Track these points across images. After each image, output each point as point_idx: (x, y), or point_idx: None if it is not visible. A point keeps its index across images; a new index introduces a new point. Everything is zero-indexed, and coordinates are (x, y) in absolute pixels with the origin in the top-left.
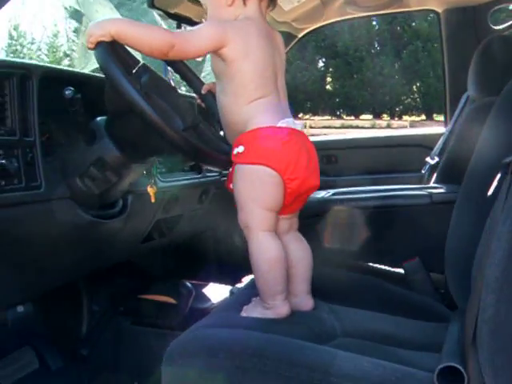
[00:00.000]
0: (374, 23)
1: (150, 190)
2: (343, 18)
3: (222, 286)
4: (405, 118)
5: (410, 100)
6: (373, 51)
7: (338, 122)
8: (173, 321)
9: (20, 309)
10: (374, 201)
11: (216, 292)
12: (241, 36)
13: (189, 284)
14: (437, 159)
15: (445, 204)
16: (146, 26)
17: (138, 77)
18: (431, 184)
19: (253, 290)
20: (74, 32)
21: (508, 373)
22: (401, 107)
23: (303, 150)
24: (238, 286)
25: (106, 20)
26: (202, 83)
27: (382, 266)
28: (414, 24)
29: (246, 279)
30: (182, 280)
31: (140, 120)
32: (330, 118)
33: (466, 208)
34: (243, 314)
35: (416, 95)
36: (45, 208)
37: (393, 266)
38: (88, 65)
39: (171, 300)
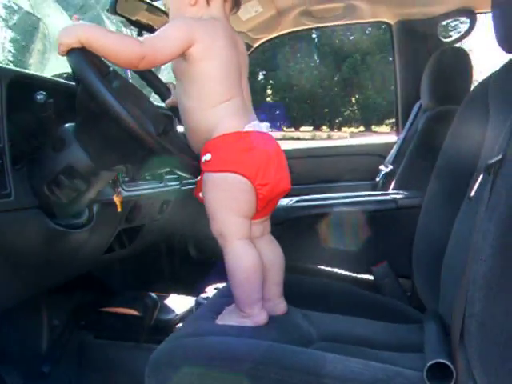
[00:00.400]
0: (314, 36)
1: (117, 199)
2: (298, 28)
3: (184, 297)
4: (344, 129)
5: (349, 112)
6: (312, 64)
7: (278, 134)
8: (138, 333)
9: None
10: (340, 207)
11: (179, 303)
12: (208, 35)
13: (154, 295)
14: (391, 167)
15: (410, 209)
16: (117, 36)
17: (109, 82)
18: (390, 191)
19: (223, 299)
20: (11, 42)
21: (497, 365)
22: (340, 119)
23: (272, 153)
24: (204, 295)
25: (76, 26)
26: (168, 90)
27: (350, 273)
28: (352, 37)
29: (210, 289)
30: (146, 291)
31: (114, 125)
32: (270, 130)
33: (433, 213)
34: (219, 322)
35: (355, 107)
36: (13, 217)
37: (361, 271)
38: (44, 72)
39: (135, 312)
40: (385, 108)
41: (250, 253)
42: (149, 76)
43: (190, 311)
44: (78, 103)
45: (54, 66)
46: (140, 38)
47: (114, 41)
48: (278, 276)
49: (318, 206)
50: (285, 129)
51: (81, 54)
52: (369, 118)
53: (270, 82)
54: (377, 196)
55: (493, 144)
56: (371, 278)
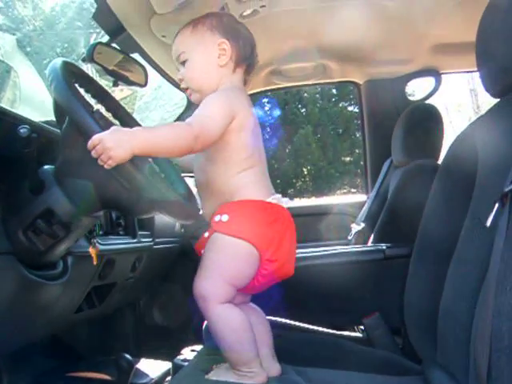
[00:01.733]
0: (267, 108)
1: (92, 251)
2: (268, 88)
3: (157, 361)
4: (296, 200)
5: (301, 183)
6: (266, 136)
7: None
8: None
9: None
10: (326, 258)
11: (152, 367)
12: (243, 106)
13: (128, 357)
14: (363, 225)
15: (397, 258)
16: (166, 132)
17: (95, 118)
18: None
19: (209, 357)
20: None
21: None
22: (292, 190)
23: (288, 231)
24: (181, 357)
25: (123, 137)
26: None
27: (338, 332)
28: (304, 110)
29: (186, 351)
30: (115, 355)
31: (99, 166)
32: None
33: (422, 264)
34: (212, 377)
35: (307, 178)
36: None
37: (352, 323)
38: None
39: (106, 377)
40: (337, 179)
41: (234, 314)
42: (132, 123)
43: (165, 374)
44: (63, 141)
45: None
46: (187, 121)
47: (166, 138)
48: (266, 337)
49: (302, 258)
50: None
51: (69, 88)
52: (321, 189)
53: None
54: (362, 247)
55: (491, 178)
56: (359, 334)
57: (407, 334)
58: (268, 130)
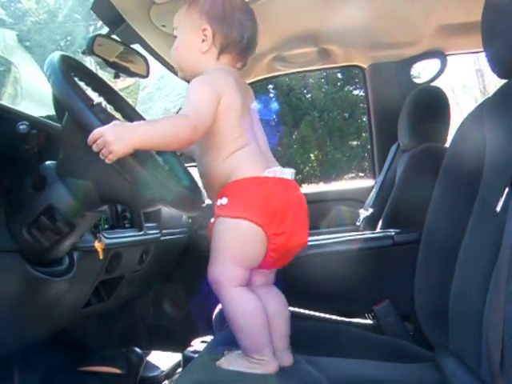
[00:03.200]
0: (272, 95)
1: (98, 246)
2: (272, 74)
3: (167, 353)
4: (304, 186)
5: (308, 169)
6: (271, 123)
7: None
8: None
9: None
10: (335, 246)
11: (162, 359)
12: (226, 87)
13: (138, 350)
14: (371, 210)
15: (406, 244)
16: (165, 125)
17: (96, 113)
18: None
19: (220, 348)
20: None
21: None
22: (300, 176)
23: (292, 201)
24: (191, 349)
25: (124, 131)
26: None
27: (348, 319)
28: (309, 95)
29: (196, 342)
30: (126, 348)
31: (101, 160)
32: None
33: (433, 246)
34: (225, 364)
35: (314, 163)
36: None
37: (363, 311)
38: None
39: (117, 370)
40: (344, 163)
41: (248, 297)
42: (133, 115)
43: (176, 366)
44: (63, 137)
45: (25, 111)
46: (182, 112)
47: (166, 132)
48: (283, 326)
49: (312, 246)
50: None
51: (68, 83)
52: (328, 174)
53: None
54: (371, 233)
55: (501, 163)
56: (369, 321)
57: (418, 320)
58: (273, 116)
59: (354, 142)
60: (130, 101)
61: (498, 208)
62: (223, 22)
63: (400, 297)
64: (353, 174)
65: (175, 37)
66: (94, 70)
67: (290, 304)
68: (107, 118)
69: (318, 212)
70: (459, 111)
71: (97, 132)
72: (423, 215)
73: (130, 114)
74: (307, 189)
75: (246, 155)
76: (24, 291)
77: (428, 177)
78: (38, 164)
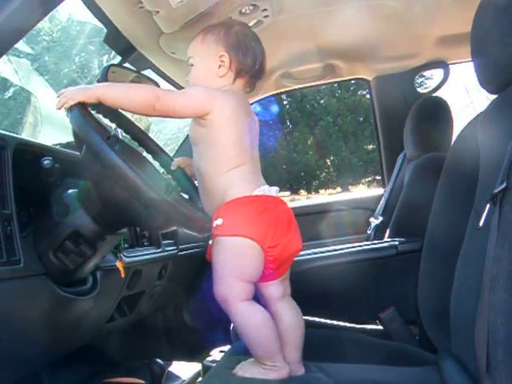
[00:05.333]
0: (285, 102)
1: (119, 265)
2: (280, 90)
3: (187, 363)
4: (321, 191)
5: (325, 174)
6: (286, 129)
7: None
8: None
9: None
10: (341, 257)
11: (183, 369)
12: (228, 104)
13: (160, 362)
14: (381, 219)
15: (410, 253)
16: (130, 85)
17: (111, 145)
18: (387, 239)
19: (238, 357)
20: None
21: None
22: (317, 182)
23: (282, 215)
24: (210, 359)
25: (89, 86)
26: (170, 157)
27: (357, 325)
28: (322, 101)
29: (215, 352)
30: (149, 359)
31: (118, 187)
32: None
33: (433, 254)
34: (240, 372)
35: (331, 169)
36: (23, 285)
37: (369, 318)
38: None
39: (141, 381)
40: (360, 167)
41: (254, 310)
42: (149, 143)
43: (196, 376)
44: (82, 166)
45: (45, 139)
46: None
47: (128, 87)
48: (298, 340)
49: (319, 258)
50: None
51: (84, 116)
52: (345, 179)
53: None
54: (376, 244)
55: (490, 175)
56: (379, 327)
57: (422, 325)
58: (288, 123)
59: (370, 146)
60: (143, 122)
61: (481, 223)
62: (238, 49)
63: (405, 303)
64: (370, 178)
65: (191, 65)
66: None
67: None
68: (123, 148)
69: (330, 221)
70: (474, 111)
71: (63, 90)
72: (427, 224)
73: (147, 142)
74: (324, 195)
75: (241, 174)
76: (52, 310)
77: (431, 186)
78: (61, 193)
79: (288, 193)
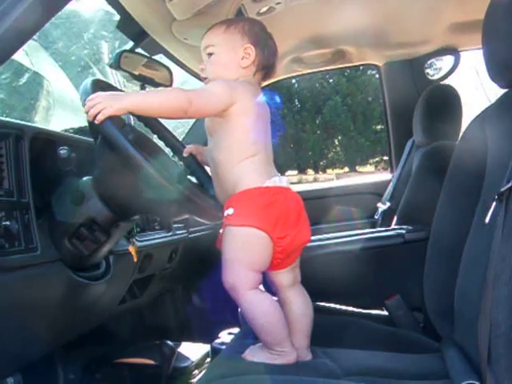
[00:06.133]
0: (294, 81)
1: (132, 249)
2: (290, 75)
3: (196, 344)
4: (329, 171)
5: (332, 154)
6: (294, 109)
7: None
8: (156, 382)
9: (10, 381)
10: (348, 245)
11: (192, 350)
12: (247, 93)
13: (170, 343)
14: (388, 204)
15: (417, 242)
16: (159, 91)
17: (126, 134)
18: (395, 226)
19: (247, 341)
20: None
21: None
22: (324, 161)
23: (291, 206)
24: (219, 341)
25: (119, 94)
26: (182, 145)
27: (363, 310)
28: (331, 80)
29: (224, 334)
30: (159, 340)
31: (132, 176)
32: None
33: (440, 245)
34: (248, 357)
35: (338, 148)
36: (40, 271)
37: (375, 306)
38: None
39: (151, 361)
40: (368, 148)
41: (262, 298)
42: (163, 131)
43: (204, 357)
44: (98, 156)
45: (58, 122)
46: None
47: (159, 95)
48: (307, 328)
49: (327, 245)
50: None
51: None
52: (353, 159)
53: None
54: (383, 232)
55: (497, 172)
56: (384, 312)
57: (427, 313)
58: (296, 102)
59: (378, 126)
60: None
61: (487, 220)
62: (263, 45)
63: (410, 291)
64: (377, 159)
65: (209, 54)
66: (121, 83)
67: None
68: (137, 137)
69: (338, 206)
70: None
71: (93, 95)
72: (434, 212)
73: (161, 129)
74: (332, 174)
75: (254, 164)
76: (67, 295)
77: (439, 175)
78: (76, 180)
79: (295, 172)
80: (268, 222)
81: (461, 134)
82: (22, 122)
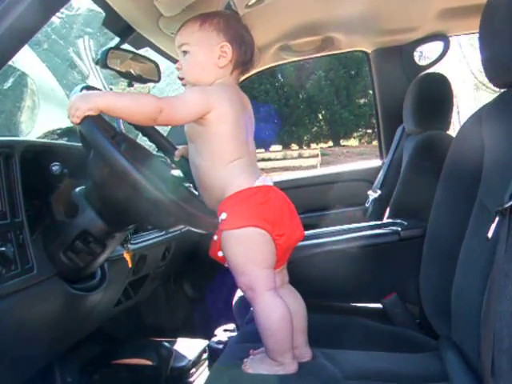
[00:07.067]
0: None
1: (127, 255)
2: (278, 63)
3: (192, 340)
4: (313, 146)
5: (316, 128)
6: (277, 84)
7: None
8: (155, 383)
9: None
10: (343, 243)
11: (188, 348)
12: (224, 100)
13: (166, 344)
14: (379, 192)
15: (412, 239)
16: (133, 95)
17: (118, 144)
18: (389, 220)
19: (246, 345)
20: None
21: None
22: (308, 136)
23: (283, 205)
24: (215, 339)
25: (92, 93)
26: (174, 147)
27: (361, 304)
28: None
29: (219, 331)
30: (153, 338)
31: (127, 188)
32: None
33: (436, 243)
34: (249, 370)
35: (322, 123)
36: (37, 290)
37: (372, 302)
38: (34, 129)
39: (148, 362)
40: (352, 122)
41: (279, 303)
42: (153, 134)
43: (201, 354)
44: (92, 168)
45: (43, 121)
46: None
47: (133, 99)
48: (302, 324)
49: (322, 244)
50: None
51: (91, 119)
52: (337, 133)
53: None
54: (378, 229)
55: (495, 175)
56: (379, 306)
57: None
58: (279, 77)
59: (362, 100)
60: None
61: (490, 234)
62: (239, 41)
63: (407, 288)
64: (361, 132)
65: (184, 52)
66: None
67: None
68: (129, 146)
69: (328, 193)
70: (466, 65)
71: (70, 100)
72: (429, 204)
73: (154, 135)
74: (316, 149)
75: (239, 167)
76: (64, 308)
77: (432, 166)
78: (69, 192)
79: (280, 147)
80: (266, 220)
81: (456, 132)
82: (11, 138)
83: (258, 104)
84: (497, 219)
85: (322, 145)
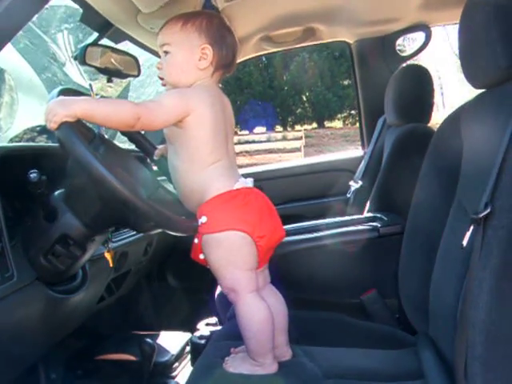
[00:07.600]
0: None
1: (108, 255)
2: (259, 53)
3: (174, 333)
4: (297, 127)
5: (300, 110)
6: (261, 65)
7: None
8: (138, 379)
9: None
10: (325, 239)
11: (171, 342)
12: (203, 103)
13: (149, 340)
14: (360, 183)
15: (391, 236)
16: (111, 102)
17: (95, 148)
18: (366, 213)
19: (227, 342)
20: None
21: None
22: (293, 117)
23: (263, 206)
24: (198, 334)
25: (70, 99)
26: (154, 146)
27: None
28: None
29: (201, 325)
30: (136, 332)
31: (108, 195)
32: (265, 130)
33: (415, 241)
34: (230, 369)
35: (306, 104)
36: (18, 297)
37: (352, 299)
38: (13, 125)
39: (131, 357)
40: (336, 103)
41: (262, 305)
42: (133, 133)
43: (183, 348)
44: (71, 172)
45: (22, 118)
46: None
47: (111, 105)
48: (283, 324)
49: (303, 240)
50: (239, 132)
51: (69, 125)
52: (321, 114)
53: (220, 86)
54: (358, 224)
55: (472, 175)
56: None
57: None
58: (263, 58)
59: (346, 82)
60: (121, 89)
61: (465, 242)
62: (221, 43)
63: (386, 284)
64: (345, 114)
65: (165, 52)
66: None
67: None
68: (107, 150)
69: (309, 183)
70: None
71: (47, 106)
72: (409, 198)
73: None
74: (300, 131)
75: (218, 170)
76: (46, 311)
77: (413, 159)
78: (48, 197)
79: (264, 129)
80: (246, 223)
81: (439, 113)
82: None
83: (241, 86)
84: (471, 228)
85: (307, 126)
